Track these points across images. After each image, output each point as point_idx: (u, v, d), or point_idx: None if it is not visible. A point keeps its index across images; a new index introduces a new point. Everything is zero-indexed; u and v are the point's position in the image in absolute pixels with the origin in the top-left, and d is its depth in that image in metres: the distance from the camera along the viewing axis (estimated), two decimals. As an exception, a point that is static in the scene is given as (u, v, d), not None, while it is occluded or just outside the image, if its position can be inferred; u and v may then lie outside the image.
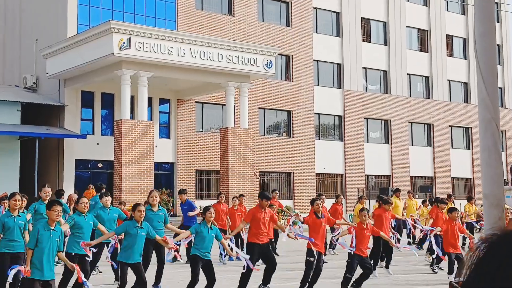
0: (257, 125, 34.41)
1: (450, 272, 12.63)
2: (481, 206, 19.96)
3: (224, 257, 15.59)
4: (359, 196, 22.22)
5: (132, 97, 27.51)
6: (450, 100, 43.09)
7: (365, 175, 38.38)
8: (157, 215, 11.24)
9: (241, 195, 19.40)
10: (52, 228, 8.38)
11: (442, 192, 35.67)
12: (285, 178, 35.83)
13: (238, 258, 16.59)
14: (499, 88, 44.28)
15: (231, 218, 16.35)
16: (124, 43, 25.29)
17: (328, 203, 19.23)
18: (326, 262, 12.90)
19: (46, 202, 11.42)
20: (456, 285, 0.71)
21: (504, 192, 1.39)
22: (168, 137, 32.23)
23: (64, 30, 29.52)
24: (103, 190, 12.57)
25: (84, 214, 10.17)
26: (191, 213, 15.02)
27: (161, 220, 11.28)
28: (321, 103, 37.15)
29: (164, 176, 31.95)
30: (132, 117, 28.02)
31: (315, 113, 37.02)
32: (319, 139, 37.18)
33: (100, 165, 29.95)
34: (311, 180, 36.19)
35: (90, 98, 30.18)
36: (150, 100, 29.93)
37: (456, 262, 12.44)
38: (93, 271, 11.91)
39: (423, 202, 21.63)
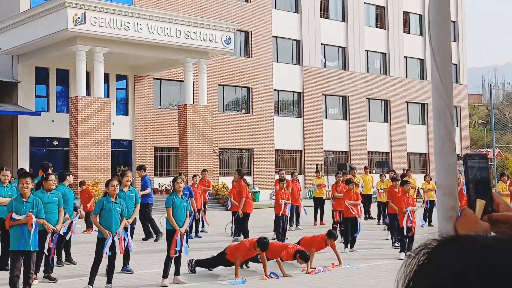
0: (216, 102, 34.27)
1: (401, 248, 12.69)
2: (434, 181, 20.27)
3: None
4: (316, 170, 22.63)
5: (88, 73, 27.00)
6: (407, 77, 43.67)
7: (324, 151, 38.75)
8: (128, 195, 11.26)
9: (204, 170, 19.40)
10: (25, 200, 8.73)
11: (398, 167, 36.24)
12: (245, 154, 35.90)
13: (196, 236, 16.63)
14: (454, 64, 45.14)
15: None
16: (79, 18, 24.73)
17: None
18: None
19: (5, 185, 11.32)
20: None
21: (457, 181, 1.39)
22: (126, 114, 31.83)
23: (17, 5, 28.67)
24: (50, 170, 12.32)
25: (48, 192, 10.20)
26: (141, 192, 14.78)
27: (132, 201, 11.31)
28: (280, 79, 37.18)
29: (122, 153, 31.61)
30: (88, 94, 27.54)
31: (274, 90, 37.06)
32: (278, 116, 37.29)
33: (55, 142, 29.42)
34: (271, 156, 36.36)
35: (44, 74, 29.50)
36: (106, 77, 29.41)
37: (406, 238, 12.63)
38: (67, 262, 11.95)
39: (380, 175, 22.03)
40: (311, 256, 11.08)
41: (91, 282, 9.30)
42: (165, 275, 9.81)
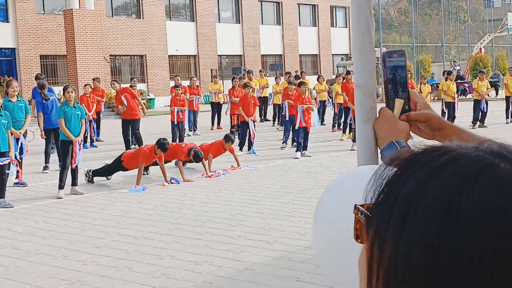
0: (104, 6, 32.64)
1: (298, 148, 13.04)
2: (326, 81, 20.87)
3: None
4: (213, 76, 22.46)
5: (-41, -24, 24.71)
6: (298, -22, 43.39)
7: (218, 55, 38.40)
8: (18, 106, 10.79)
9: (95, 78, 18.64)
10: None
11: (291, 69, 36.62)
12: (137, 61, 34.91)
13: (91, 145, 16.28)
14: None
15: (85, 106, 15.64)
16: None
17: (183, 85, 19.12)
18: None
19: None
20: (362, 209, 0.65)
21: (376, 83, 1.35)
22: (6, 20, 29.73)
23: None
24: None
25: None
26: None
27: (22, 111, 10.87)
28: (170, -19, 35.83)
29: (5, 62, 29.80)
30: (-38, -1, 25.35)
31: (164, -8, 35.75)
32: (171, 20, 36.23)
33: None
34: (164, 62, 35.61)
35: None
36: (-19, -21, 27.11)
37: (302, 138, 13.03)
38: None
39: (276, 78, 22.25)
40: (209, 161, 11.15)
41: (-18, 198, 8.94)
42: (61, 186, 9.60)
